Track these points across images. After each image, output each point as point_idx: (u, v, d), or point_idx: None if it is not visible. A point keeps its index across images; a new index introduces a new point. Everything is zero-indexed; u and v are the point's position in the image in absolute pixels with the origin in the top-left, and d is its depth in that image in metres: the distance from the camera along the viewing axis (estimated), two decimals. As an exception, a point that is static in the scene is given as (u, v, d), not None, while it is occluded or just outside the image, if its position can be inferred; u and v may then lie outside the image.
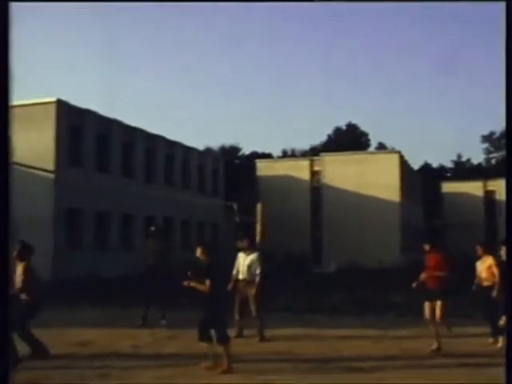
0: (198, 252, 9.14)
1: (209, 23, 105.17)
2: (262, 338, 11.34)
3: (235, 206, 37.36)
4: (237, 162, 65.67)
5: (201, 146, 53.30)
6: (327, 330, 12.51)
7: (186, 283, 8.99)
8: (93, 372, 8.84)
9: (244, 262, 11.54)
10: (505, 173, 5.66)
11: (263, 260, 11.66)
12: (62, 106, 25.78)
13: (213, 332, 8.75)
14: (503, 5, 5.33)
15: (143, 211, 30.83)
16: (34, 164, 24.32)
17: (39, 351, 9.61)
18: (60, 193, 25.21)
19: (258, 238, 12.19)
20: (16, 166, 23.57)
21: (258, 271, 11.42)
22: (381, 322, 13.80)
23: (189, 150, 37.41)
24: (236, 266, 11.64)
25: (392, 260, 35.57)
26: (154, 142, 32.96)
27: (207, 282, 8.71)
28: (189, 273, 9.06)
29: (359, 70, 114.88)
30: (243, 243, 11.74)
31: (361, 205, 41.22)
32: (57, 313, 15.18)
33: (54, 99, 25.51)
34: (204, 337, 8.80)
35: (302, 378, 8.42)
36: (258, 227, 13.78)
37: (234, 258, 11.82)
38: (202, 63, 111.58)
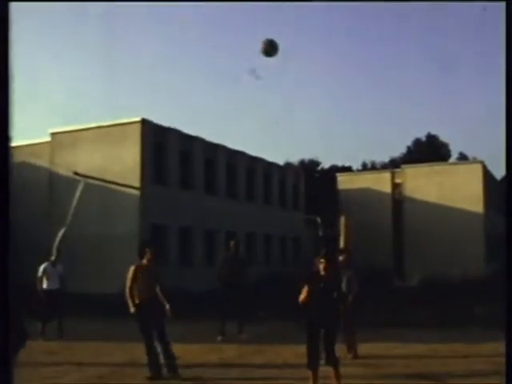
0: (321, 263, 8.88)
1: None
2: (355, 355, 11.18)
3: (319, 220, 37.38)
4: (317, 175, 65.63)
5: (281, 161, 53.55)
6: (414, 345, 12.47)
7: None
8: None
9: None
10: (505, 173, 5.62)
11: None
12: (146, 125, 26.47)
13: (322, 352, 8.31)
14: (503, 5, 5.33)
15: (225, 227, 31.20)
16: (121, 181, 25.06)
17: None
18: (145, 209, 25.85)
19: (341, 251, 12.17)
20: (104, 183, 24.36)
21: (355, 287, 11.25)
22: (466, 336, 13.65)
23: (270, 165, 37.70)
24: None
25: (476, 272, 34.86)
26: (235, 157, 33.37)
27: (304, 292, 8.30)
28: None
29: (431, 79, 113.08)
30: (341, 257, 11.51)
31: (443, 217, 40.61)
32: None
33: (138, 119, 26.25)
34: (314, 362, 8.19)
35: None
36: (342, 240, 13.80)
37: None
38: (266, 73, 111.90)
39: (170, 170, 28.09)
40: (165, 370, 9.71)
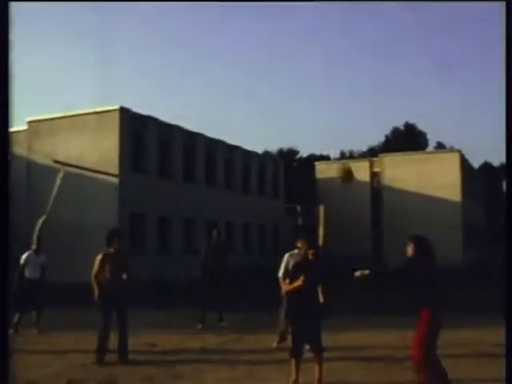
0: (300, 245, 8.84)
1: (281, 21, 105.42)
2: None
3: (298, 208, 37.46)
4: (295, 164, 65.77)
5: (260, 150, 53.56)
6: (393, 331, 12.57)
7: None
8: (163, 372, 9.14)
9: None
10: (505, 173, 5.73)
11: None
12: (124, 113, 26.34)
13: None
14: (503, 5, 5.36)
15: (205, 215, 31.20)
16: (100, 170, 24.92)
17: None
18: (124, 197, 25.75)
19: (320, 240, 12.16)
20: (83, 171, 24.19)
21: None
22: (448, 321, 13.76)
23: (249, 154, 37.68)
24: (284, 267, 10.79)
25: (454, 260, 35.17)
26: (214, 146, 33.34)
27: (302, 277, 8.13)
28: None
29: (414, 68, 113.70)
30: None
31: (421, 205, 40.87)
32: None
33: (117, 107, 26.11)
34: (298, 350, 8.11)
35: (368, 376, 8.55)
36: (321, 229, 13.75)
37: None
38: (252, 64, 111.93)
39: (149, 158, 28.00)
40: (115, 355, 10.06)
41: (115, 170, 25.46)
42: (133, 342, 11.39)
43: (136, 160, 27.06)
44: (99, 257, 10.21)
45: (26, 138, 28.09)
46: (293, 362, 8.05)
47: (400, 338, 11.05)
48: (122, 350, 10.12)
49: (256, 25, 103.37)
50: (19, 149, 28.24)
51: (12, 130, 29.47)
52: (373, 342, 11.58)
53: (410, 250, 7.78)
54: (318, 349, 8.10)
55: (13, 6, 4.51)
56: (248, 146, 40.01)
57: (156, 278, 24.00)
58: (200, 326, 13.68)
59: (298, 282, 8.05)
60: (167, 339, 12.10)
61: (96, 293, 10.05)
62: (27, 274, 14.07)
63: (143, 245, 27.10)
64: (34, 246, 14.52)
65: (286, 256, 11.05)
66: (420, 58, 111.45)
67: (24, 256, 14.16)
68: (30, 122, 28.43)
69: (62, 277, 23.74)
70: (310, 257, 8.32)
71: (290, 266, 9.62)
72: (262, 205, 37.72)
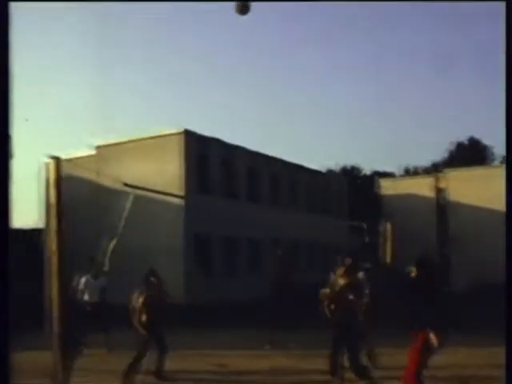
0: (340, 272, 8.93)
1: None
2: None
3: (364, 226, 37.20)
4: (359, 182, 65.36)
5: (323, 169, 53.47)
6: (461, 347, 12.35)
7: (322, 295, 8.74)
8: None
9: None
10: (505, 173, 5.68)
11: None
12: (188, 136, 26.71)
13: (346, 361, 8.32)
14: (503, 5, 5.33)
15: (269, 235, 31.22)
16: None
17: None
18: (189, 219, 26.04)
19: (388, 258, 12.09)
20: (149, 195, 24.58)
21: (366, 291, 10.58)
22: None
23: (312, 173, 37.66)
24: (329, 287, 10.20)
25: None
26: (277, 165, 33.44)
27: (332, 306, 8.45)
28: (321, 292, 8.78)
29: (475, 83, 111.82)
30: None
31: (488, 221, 40.08)
32: (193, 336, 15.77)
33: (181, 130, 26.52)
34: (337, 368, 8.34)
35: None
36: (388, 247, 13.72)
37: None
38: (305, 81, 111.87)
39: (213, 179, 28.27)
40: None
41: (180, 192, 25.76)
42: (202, 363, 11.54)
43: (200, 181, 27.36)
44: (141, 300, 10.72)
45: (94, 162, 28.74)
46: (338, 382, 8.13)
47: (466, 356, 10.87)
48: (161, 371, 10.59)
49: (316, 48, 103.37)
50: (88, 173, 28.94)
51: (81, 154, 30.30)
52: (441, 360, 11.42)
53: (413, 270, 7.73)
54: (359, 370, 8.22)
55: (13, 6, 4.52)
56: (311, 164, 39.94)
57: (222, 299, 24.16)
58: (268, 346, 13.71)
59: (341, 305, 8.18)
60: (236, 360, 12.16)
61: (141, 330, 10.58)
62: (86, 297, 14.33)
63: (208, 266, 27.30)
64: (93, 271, 14.75)
65: (332, 275, 10.59)
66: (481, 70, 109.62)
67: (82, 280, 14.41)
68: (97, 147, 29.13)
69: (127, 299, 24.15)
70: (344, 278, 8.42)
71: (336, 285, 9.54)
72: (326, 223, 37.58)
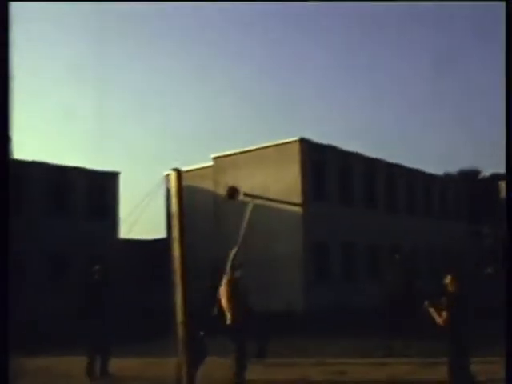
0: (447, 280, 8.88)
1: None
2: None
3: (486, 230, 36.17)
4: (477, 185, 63.49)
5: (440, 172, 52.35)
6: None
7: (426, 305, 8.64)
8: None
9: None
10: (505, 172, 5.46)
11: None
12: (304, 144, 26.88)
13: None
14: (503, 5, 5.19)
15: (387, 241, 30.88)
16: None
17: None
18: (308, 227, 26.18)
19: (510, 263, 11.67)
20: (268, 203, 24.95)
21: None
22: None
23: (429, 177, 36.99)
24: None
25: None
26: (393, 171, 33.08)
27: (444, 314, 8.35)
28: (426, 303, 8.68)
29: None
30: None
31: None
32: (313, 343, 15.84)
33: (297, 138, 26.74)
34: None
35: None
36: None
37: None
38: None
39: (330, 186, 28.31)
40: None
41: (298, 200, 25.93)
42: (321, 370, 11.57)
43: (317, 189, 27.45)
44: (225, 280, 10.63)
45: (211, 173, 29.41)
46: None
47: None
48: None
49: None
50: (206, 183, 29.69)
51: (198, 166, 31.12)
52: None
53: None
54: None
55: (13, 6, 4.55)
56: (427, 168, 39.06)
57: (340, 305, 24.12)
58: (387, 353, 13.58)
59: (440, 318, 8.20)
60: (356, 367, 12.10)
61: (229, 316, 10.27)
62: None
63: (327, 273, 27.33)
64: (216, 281, 15.03)
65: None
66: None
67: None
68: (215, 158, 29.79)
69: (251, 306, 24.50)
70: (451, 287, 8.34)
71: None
72: (445, 228, 36.78)
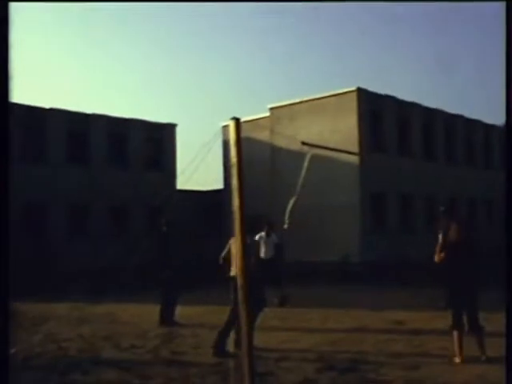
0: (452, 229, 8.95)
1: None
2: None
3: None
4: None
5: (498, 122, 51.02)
6: None
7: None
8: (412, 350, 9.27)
9: None
10: (505, 172, 5.42)
11: None
12: (362, 94, 26.57)
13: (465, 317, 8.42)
14: (503, 5, 5.20)
15: (444, 193, 30.47)
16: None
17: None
18: (365, 177, 26.04)
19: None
20: (326, 153, 24.89)
21: None
22: None
23: (487, 127, 36.11)
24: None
25: None
26: (453, 122, 32.48)
27: (442, 254, 8.76)
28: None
29: None
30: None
31: None
32: (370, 293, 15.92)
33: (354, 88, 26.43)
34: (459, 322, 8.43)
35: None
36: None
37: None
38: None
39: (388, 137, 28.03)
40: None
41: (355, 150, 25.77)
42: (377, 319, 11.66)
43: (375, 140, 27.22)
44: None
45: (268, 123, 29.35)
46: (455, 334, 8.43)
47: None
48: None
49: None
50: (262, 134, 29.70)
51: (255, 117, 31.11)
52: None
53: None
54: (475, 328, 8.31)
55: (13, 6, 4.52)
56: (486, 119, 37.97)
57: (399, 256, 24.10)
58: (444, 305, 13.55)
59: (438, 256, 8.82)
60: (413, 318, 12.16)
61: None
62: (261, 254, 15.01)
63: (384, 224, 27.25)
64: (286, 225, 15.25)
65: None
66: None
67: (257, 237, 15.08)
68: (271, 109, 29.70)
69: (307, 257, 24.71)
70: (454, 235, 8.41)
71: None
72: (502, 179, 35.98)
